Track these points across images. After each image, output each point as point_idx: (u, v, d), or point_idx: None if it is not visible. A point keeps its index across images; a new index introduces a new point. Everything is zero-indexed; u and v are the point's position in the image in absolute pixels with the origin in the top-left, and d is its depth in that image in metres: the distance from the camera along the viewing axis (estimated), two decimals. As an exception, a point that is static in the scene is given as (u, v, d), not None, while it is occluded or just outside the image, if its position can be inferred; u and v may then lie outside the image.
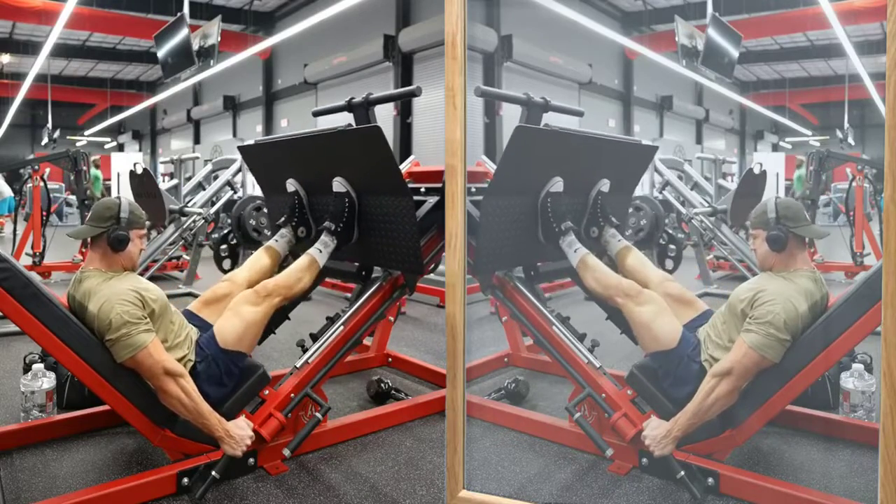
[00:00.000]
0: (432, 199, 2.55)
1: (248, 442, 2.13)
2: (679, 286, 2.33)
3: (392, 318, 3.47)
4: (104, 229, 2.14)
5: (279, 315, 2.72)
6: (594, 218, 2.50)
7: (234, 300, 2.30)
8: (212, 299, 2.36)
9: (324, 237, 2.48)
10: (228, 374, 2.21)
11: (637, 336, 2.27)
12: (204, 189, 5.91)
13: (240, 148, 2.95)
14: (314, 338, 2.51)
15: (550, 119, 2.64)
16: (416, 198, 2.54)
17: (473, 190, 2.58)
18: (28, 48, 9.49)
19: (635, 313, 2.22)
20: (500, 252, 2.43)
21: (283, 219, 2.61)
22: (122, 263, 2.17)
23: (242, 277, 2.43)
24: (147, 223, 2.26)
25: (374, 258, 2.62)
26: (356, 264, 2.80)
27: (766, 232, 2.09)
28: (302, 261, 2.44)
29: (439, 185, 2.61)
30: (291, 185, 2.60)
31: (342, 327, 2.49)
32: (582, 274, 2.37)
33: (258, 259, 2.52)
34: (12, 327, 2.48)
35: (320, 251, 2.45)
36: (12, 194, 6.46)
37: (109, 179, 6.38)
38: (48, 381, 2.61)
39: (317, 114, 2.96)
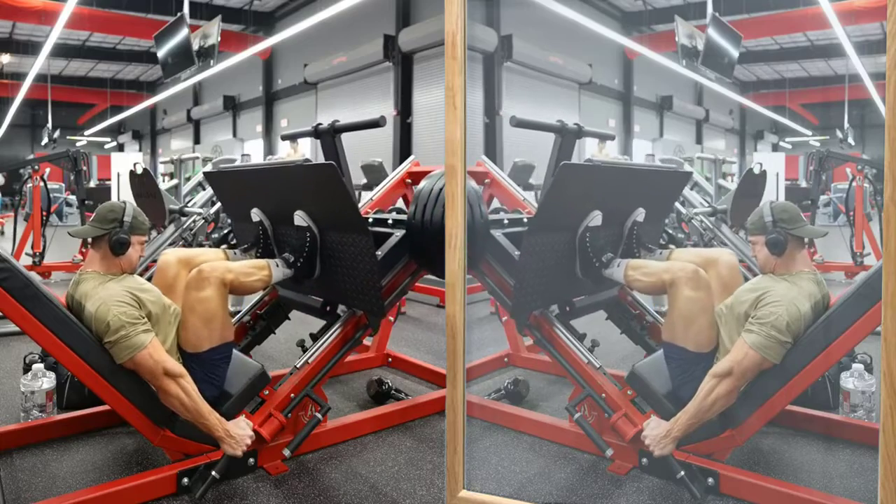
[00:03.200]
0: (399, 233, 2.45)
1: (248, 442, 2.13)
2: (735, 269, 2.22)
3: (392, 318, 3.47)
4: (106, 231, 2.14)
5: (279, 315, 2.73)
6: (630, 248, 2.46)
7: (184, 296, 2.19)
8: (166, 288, 2.26)
9: (283, 262, 2.41)
10: (214, 372, 2.18)
11: (670, 323, 2.18)
12: (204, 189, 5.90)
13: (205, 174, 2.90)
14: (314, 338, 2.51)
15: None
16: (382, 229, 2.47)
17: (506, 222, 2.51)
18: (28, 48, 9.50)
19: (684, 299, 2.11)
20: (539, 290, 2.34)
21: (246, 245, 2.56)
22: (122, 267, 2.17)
23: (184, 255, 2.35)
24: (148, 232, 2.24)
25: (335, 295, 2.53)
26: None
27: (764, 237, 2.08)
28: (257, 261, 2.37)
29: (404, 217, 2.52)
30: (256, 214, 2.53)
31: (338, 332, 2.49)
32: (632, 278, 2.27)
33: (208, 251, 2.47)
34: (12, 327, 2.48)
35: (277, 265, 2.37)
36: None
37: (109, 179, 6.38)
38: (48, 381, 2.61)
39: (284, 138, 2.95)
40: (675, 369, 2.16)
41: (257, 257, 2.49)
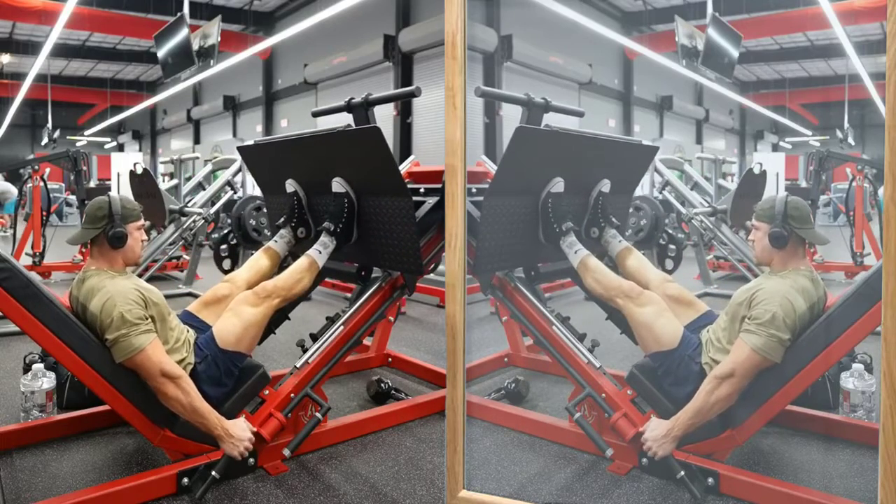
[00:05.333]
0: (432, 200, 2.54)
1: (248, 444, 2.13)
2: (679, 287, 2.33)
3: (392, 318, 3.47)
4: (100, 229, 2.14)
5: (279, 315, 2.72)
6: (595, 218, 2.50)
7: (234, 301, 2.30)
8: (211, 300, 2.36)
9: (323, 238, 2.48)
10: (228, 375, 2.21)
11: (637, 336, 2.26)
12: (204, 189, 5.91)
13: (239, 148, 2.95)
14: (314, 338, 2.51)
15: (551, 119, 2.65)
16: (415, 198, 2.54)
17: (474, 190, 2.57)
18: (28, 48, 9.49)
19: (636, 314, 2.22)
20: (501, 252, 2.42)
21: (282, 219, 2.61)
22: (125, 259, 2.18)
23: (242, 279, 2.43)
24: (142, 215, 2.25)
25: (374, 259, 2.62)
26: (355, 265, 2.80)
27: (769, 227, 2.09)
28: (301, 262, 2.44)
29: (439, 185, 2.60)
30: (291, 185, 2.60)
31: (342, 327, 2.49)
32: (582, 275, 2.37)
33: (257, 260, 2.52)
34: (12, 327, 2.48)
35: (319, 252, 2.45)
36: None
37: (109, 179, 6.38)
38: (48, 381, 2.61)
39: (316, 114, 2.96)
40: (665, 372, 2.18)
41: (292, 229, 2.57)
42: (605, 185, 2.51)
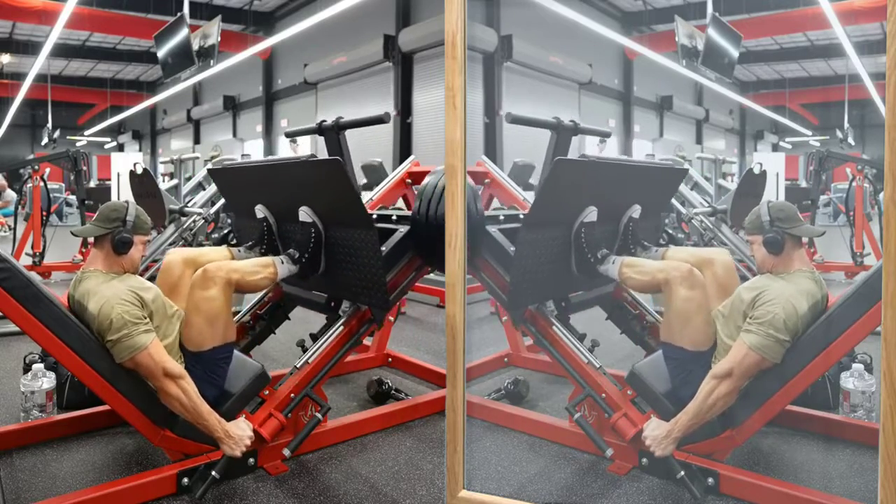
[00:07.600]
0: (403, 228, 2.45)
1: (248, 442, 2.13)
2: (730, 272, 2.23)
3: (392, 318, 3.47)
4: (109, 230, 2.15)
5: (279, 314, 2.73)
6: (626, 244, 2.45)
7: (189, 290, 2.19)
8: (169, 289, 2.27)
9: (288, 256, 2.40)
10: (216, 372, 2.18)
11: (667, 323, 2.17)
12: (204, 189, 5.90)
13: (209, 170, 2.91)
14: (314, 338, 2.51)
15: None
16: (386, 226, 2.46)
17: (502, 217, 2.51)
18: (28, 48, 9.50)
19: (680, 298, 2.10)
20: (535, 286, 2.34)
21: (251, 243, 2.53)
22: (123, 266, 2.17)
23: (189, 255, 2.34)
24: (150, 233, 2.25)
25: (340, 291, 2.52)
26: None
27: (762, 236, 2.09)
28: (262, 259, 2.37)
29: (409, 213, 2.52)
30: (260, 211, 2.52)
31: (342, 327, 2.49)
32: (627, 276, 2.27)
33: (213, 249, 2.46)
34: (12, 327, 2.48)
35: (282, 262, 2.36)
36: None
37: (109, 179, 6.38)
38: (48, 381, 2.61)
39: (289, 135, 2.95)
40: (674, 369, 2.16)
41: (261, 254, 2.47)
42: (636, 211, 2.46)
